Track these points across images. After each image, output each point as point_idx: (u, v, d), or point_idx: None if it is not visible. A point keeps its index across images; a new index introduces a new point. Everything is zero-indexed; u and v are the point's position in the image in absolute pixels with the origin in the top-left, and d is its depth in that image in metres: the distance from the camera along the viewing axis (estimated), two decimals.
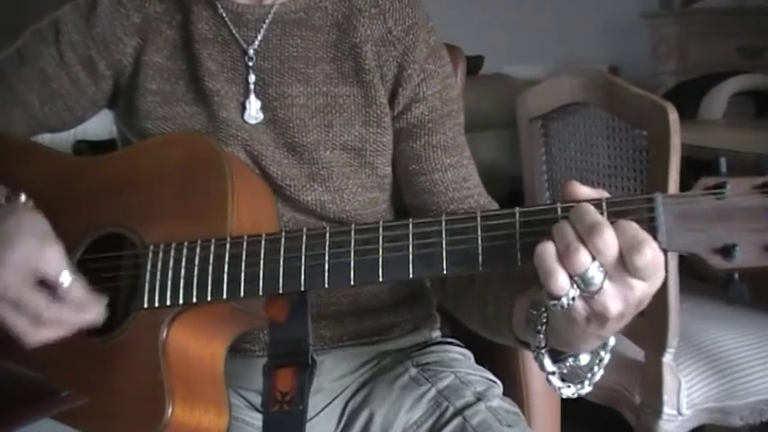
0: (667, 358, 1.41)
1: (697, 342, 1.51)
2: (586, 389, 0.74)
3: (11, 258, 0.80)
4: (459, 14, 4.08)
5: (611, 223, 0.66)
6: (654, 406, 1.44)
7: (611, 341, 0.73)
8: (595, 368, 0.74)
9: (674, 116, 1.27)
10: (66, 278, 0.81)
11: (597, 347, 0.74)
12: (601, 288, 0.66)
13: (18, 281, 0.80)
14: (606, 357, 0.74)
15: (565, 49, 4.37)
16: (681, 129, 1.28)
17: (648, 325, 1.43)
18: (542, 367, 0.74)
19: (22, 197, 0.88)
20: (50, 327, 0.82)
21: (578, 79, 1.54)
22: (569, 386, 0.74)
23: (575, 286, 0.67)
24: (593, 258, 0.66)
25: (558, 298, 0.67)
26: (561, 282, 0.66)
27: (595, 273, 0.66)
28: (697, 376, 1.46)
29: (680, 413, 1.43)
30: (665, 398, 1.42)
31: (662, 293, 1.34)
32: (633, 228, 0.66)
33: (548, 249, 0.67)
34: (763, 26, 3.71)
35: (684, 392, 1.43)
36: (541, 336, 0.74)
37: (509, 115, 1.92)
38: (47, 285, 0.81)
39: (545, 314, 0.74)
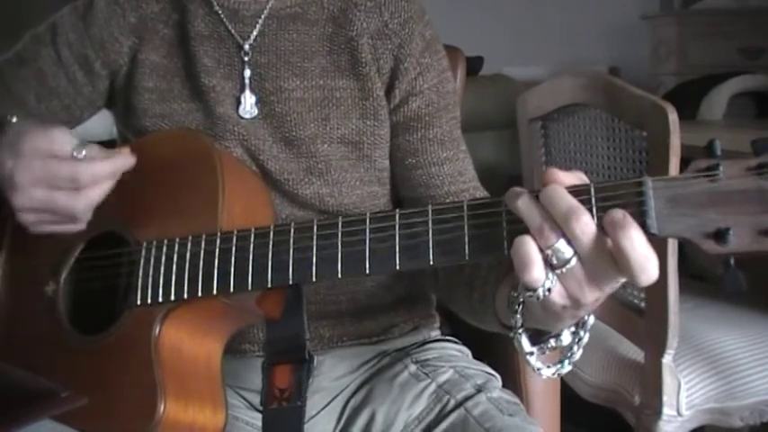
0: (667, 359, 1.41)
1: (697, 343, 1.51)
2: (566, 368, 0.73)
3: (25, 148, 0.83)
4: (460, 15, 4.07)
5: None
6: (653, 407, 1.43)
7: (591, 319, 0.72)
8: (575, 348, 0.73)
9: (673, 117, 1.27)
10: (81, 147, 0.83)
11: (577, 328, 0.73)
12: (571, 260, 0.66)
13: (40, 161, 0.82)
14: (585, 337, 0.73)
15: (565, 51, 4.37)
16: (681, 129, 1.27)
17: (648, 326, 1.43)
18: (520, 348, 0.73)
19: (14, 118, 0.89)
20: (91, 186, 0.83)
21: (578, 80, 1.54)
22: (549, 366, 0.73)
23: (549, 276, 0.66)
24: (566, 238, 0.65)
25: (534, 289, 0.67)
26: (536, 273, 0.66)
27: (565, 247, 0.65)
28: (697, 377, 1.45)
29: (680, 414, 1.43)
30: (665, 398, 1.42)
31: (662, 294, 1.34)
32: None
33: (524, 241, 0.66)
34: (763, 26, 3.70)
35: (684, 393, 1.43)
36: (518, 316, 0.73)
37: (509, 116, 1.91)
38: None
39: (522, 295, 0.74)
